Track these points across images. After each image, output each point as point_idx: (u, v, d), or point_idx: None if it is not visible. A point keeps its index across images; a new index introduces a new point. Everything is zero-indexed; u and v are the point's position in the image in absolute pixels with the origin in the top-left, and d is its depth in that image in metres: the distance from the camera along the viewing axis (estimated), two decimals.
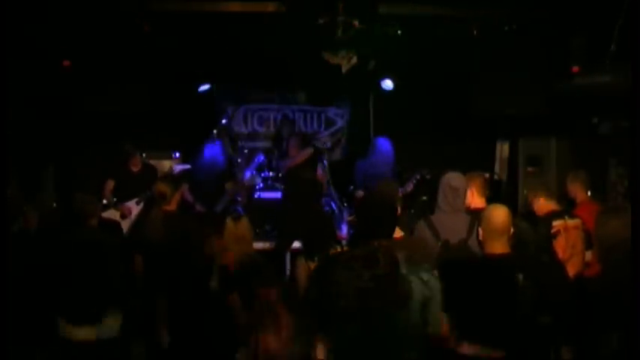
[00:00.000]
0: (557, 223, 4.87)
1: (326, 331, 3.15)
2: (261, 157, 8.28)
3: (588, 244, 4.76)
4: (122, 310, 2.55)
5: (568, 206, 5.47)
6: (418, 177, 7.95)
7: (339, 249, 4.72)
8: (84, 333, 2.47)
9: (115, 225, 6.24)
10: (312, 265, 4.61)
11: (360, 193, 7.10)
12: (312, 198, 7.27)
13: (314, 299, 3.32)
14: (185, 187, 7.51)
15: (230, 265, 4.62)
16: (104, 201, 6.91)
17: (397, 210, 3.84)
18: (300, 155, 7.42)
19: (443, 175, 4.67)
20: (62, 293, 2.60)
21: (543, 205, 5.23)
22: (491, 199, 5.56)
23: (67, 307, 2.51)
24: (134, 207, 6.99)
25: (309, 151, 7.47)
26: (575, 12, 6.59)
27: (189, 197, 7.48)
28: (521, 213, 4.88)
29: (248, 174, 8.04)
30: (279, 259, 6.88)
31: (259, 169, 8.54)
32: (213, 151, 7.84)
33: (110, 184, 7.17)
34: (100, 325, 2.48)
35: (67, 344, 2.46)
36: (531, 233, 4.10)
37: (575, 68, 6.88)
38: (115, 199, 7.08)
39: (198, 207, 7.47)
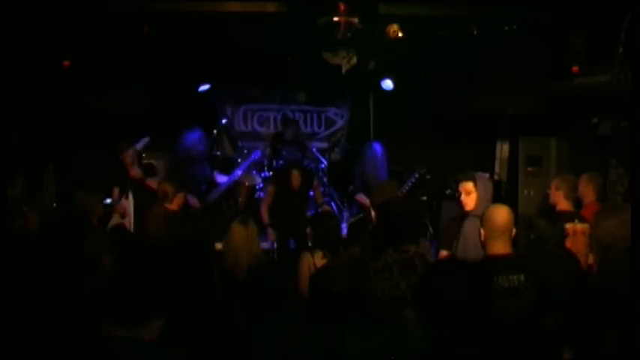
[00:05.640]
0: (567, 226, 4.92)
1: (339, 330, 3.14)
2: (259, 153, 8.26)
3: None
4: (164, 312, 2.56)
5: (576, 207, 5.50)
6: (417, 176, 7.93)
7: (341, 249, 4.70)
8: (125, 333, 2.48)
9: (123, 230, 6.27)
10: (317, 259, 4.57)
11: (361, 196, 7.10)
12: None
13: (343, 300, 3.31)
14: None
15: (234, 269, 4.61)
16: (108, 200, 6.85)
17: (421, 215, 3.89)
18: (266, 197, 7.22)
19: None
20: (107, 294, 2.61)
21: (562, 202, 5.32)
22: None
23: (110, 308, 2.52)
24: (126, 203, 6.92)
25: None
26: (575, 12, 6.59)
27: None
28: (540, 210, 4.91)
29: (240, 172, 7.97)
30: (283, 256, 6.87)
31: (259, 168, 8.54)
32: (192, 138, 7.74)
33: (115, 192, 7.09)
34: (142, 327, 2.49)
35: (106, 343, 2.48)
36: (549, 230, 4.11)
37: (575, 68, 6.88)
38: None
39: (190, 198, 7.38)
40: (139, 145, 7.04)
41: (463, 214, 4.69)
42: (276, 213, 6.98)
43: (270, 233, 6.93)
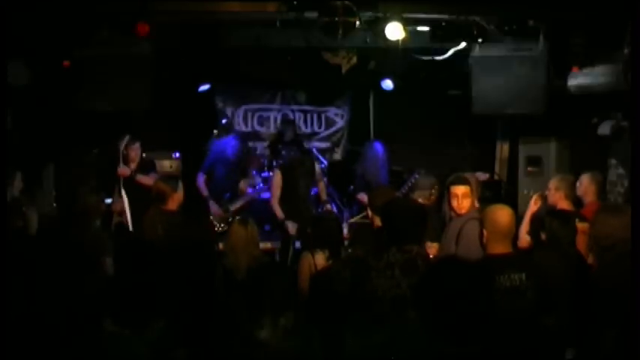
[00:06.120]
0: None
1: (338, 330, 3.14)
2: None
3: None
4: (165, 314, 2.57)
5: (576, 206, 5.50)
6: (417, 176, 7.90)
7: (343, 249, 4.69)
8: (125, 334, 2.49)
9: (126, 228, 6.28)
10: (317, 259, 4.56)
11: (363, 195, 7.10)
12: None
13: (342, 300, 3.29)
14: (202, 178, 7.50)
15: (234, 269, 4.60)
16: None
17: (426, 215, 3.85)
18: (274, 186, 7.16)
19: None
20: (108, 294, 2.62)
21: (562, 202, 5.31)
22: (491, 199, 5.56)
23: (112, 308, 2.53)
24: (122, 201, 6.88)
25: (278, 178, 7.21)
26: (575, 12, 6.58)
27: (204, 190, 7.46)
28: (549, 210, 4.90)
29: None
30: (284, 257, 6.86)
31: (259, 168, 8.53)
32: (220, 144, 7.82)
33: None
34: (143, 327, 2.50)
35: (106, 343, 2.49)
36: (562, 230, 4.11)
37: (575, 68, 6.87)
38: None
39: (212, 205, 7.41)
40: (122, 144, 7.10)
41: (453, 217, 4.68)
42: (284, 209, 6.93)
43: (290, 227, 6.83)
